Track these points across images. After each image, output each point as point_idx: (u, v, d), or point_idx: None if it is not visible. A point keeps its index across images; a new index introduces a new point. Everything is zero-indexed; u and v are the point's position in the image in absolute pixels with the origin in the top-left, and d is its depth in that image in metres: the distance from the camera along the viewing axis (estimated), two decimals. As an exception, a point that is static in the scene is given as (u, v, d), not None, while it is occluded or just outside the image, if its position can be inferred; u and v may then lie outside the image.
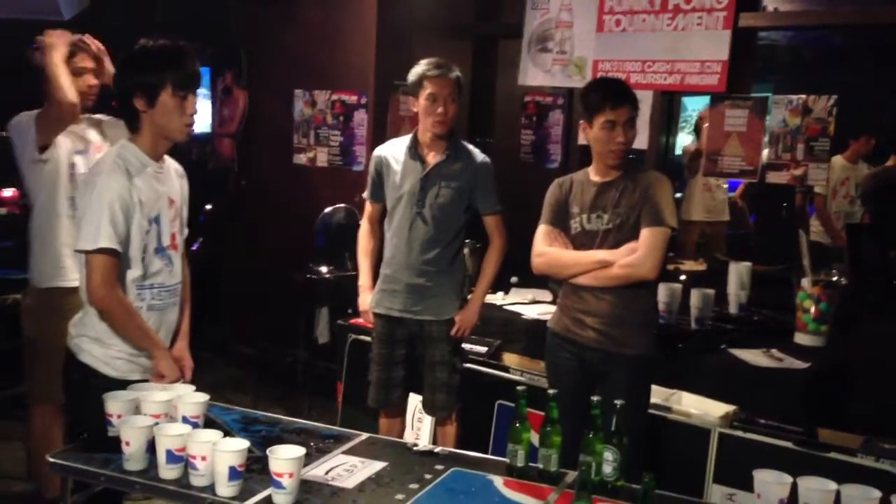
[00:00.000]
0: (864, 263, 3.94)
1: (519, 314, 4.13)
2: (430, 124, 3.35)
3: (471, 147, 3.50)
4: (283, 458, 1.99)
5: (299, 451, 2.03)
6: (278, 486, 1.99)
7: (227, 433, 2.18)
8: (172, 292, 2.49)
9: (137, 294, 2.39)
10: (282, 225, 5.40)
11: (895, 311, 3.41)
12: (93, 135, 3.41)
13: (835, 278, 3.73)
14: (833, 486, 1.98)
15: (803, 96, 4.17)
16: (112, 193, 2.29)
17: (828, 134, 4.10)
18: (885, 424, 2.96)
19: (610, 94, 2.92)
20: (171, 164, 2.53)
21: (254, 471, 2.11)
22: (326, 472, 2.21)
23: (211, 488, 2.04)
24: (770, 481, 2.03)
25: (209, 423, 2.28)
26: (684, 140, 6.51)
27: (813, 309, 3.61)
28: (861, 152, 5.59)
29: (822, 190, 5.44)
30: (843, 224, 5.41)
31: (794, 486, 2.01)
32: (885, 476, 2.73)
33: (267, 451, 2.01)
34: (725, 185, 6.04)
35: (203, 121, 5.69)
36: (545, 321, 3.23)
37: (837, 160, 5.56)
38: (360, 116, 5.18)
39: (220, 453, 2.02)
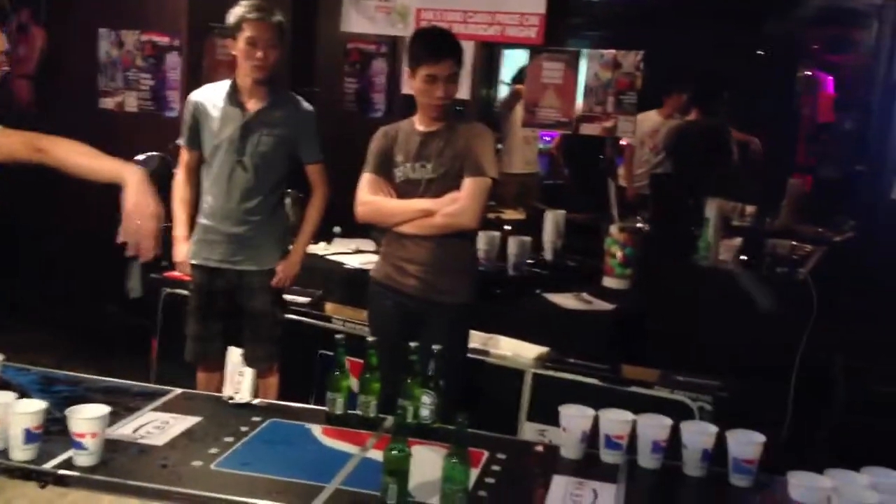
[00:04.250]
0: (666, 211, 4.21)
1: (341, 264, 4.12)
2: (249, 69, 3.24)
3: (293, 95, 3.43)
4: (83, 417, 1.90)
5: (102, 409, 1.95)
6: (79, 446, 1.90)
7: (23, 395, 2.04)
8: None
9: None
10: (88, 174, 5.07)
11: (691, 255, 3.66)
12: None
13: (639, 225, 3.97)
14: (630, 416, 2.12)
15: (613, 51, 4.35)
16: None
17: (636, 88, 4.30)
18: (681, 359, 3.21)
19: (432, 47, 2.92)
20: None
21: (53, 433, 2.00)
22: (135, 431, 2.13)
23: (5, 453, 1.92)
24: (574, 415, 2.14)
25: (3, 386, 2.13)
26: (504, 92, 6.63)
27: (619, 254, 3.83)
28: (676, 107, 5.90)
29: (633, 141, 5.72)
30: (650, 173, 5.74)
31: (598, 419, 2.14)
32: (679, 405, 2.97)
33: (66, 412, 1.92)
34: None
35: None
36: (367, 270, 3.25)
37: (652, 114, 5.85)
38: (173, 59, 4.93)
39: (12, 416, 1.89)
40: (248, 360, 3.45)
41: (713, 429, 2.08)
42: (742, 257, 3.57)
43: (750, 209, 4.20)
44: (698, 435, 2.06)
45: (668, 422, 2.10)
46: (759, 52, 7.26)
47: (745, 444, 2.01)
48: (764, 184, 5.00)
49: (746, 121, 5.78)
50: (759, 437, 2.02)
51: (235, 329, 3.44)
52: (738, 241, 3.69)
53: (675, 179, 5.13)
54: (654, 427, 2.09)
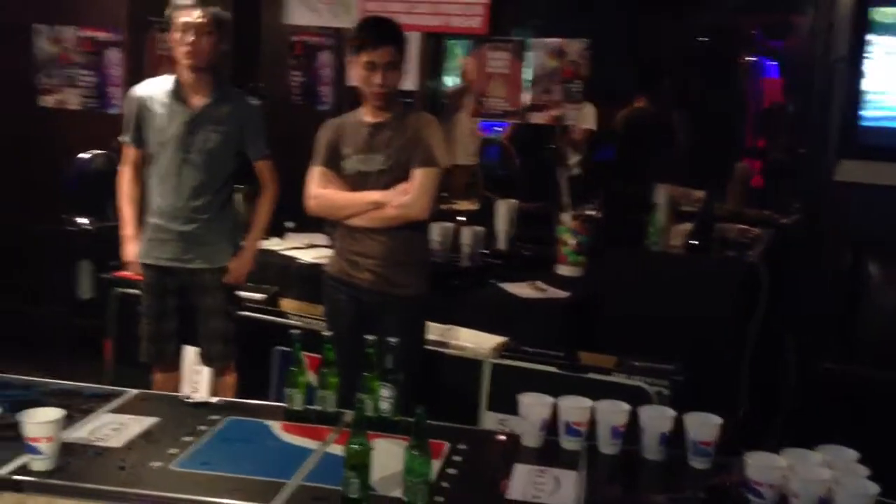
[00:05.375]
0: (615, 198, 4.26)
1: (295, 259, 4.09)
2: (182, 56, 3.19)
3: (238, 90, 3.40)
4: (37, 421, 1.86)
5: (57, 412, 1.91)
6: (34, 451, 1.86)
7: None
8: None
9: None
10: (29, 173, 4.94)
11: (642, 241, 3.71)
12: None
13: (591, 212, 4.00)
14: (588, 402, 2.15)
15: (558, 40, 4.37)
16: None
17: (581, 76, 4.33)
18: (636, 344, 3.25)
19: (371, 34, 2.92)
20: None
21: (8, 438, 1.95)
22: (91, 433, 2.09)
23: (-42, 461, 1.88)
24: (532, 403, 2.16)
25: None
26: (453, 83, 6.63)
27: (572, 242, 3.86)
28: None
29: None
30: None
31: (557, 407, 2.16)
32: (636, 391, 3.01)
33: (20, 416, 1.87)
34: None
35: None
36: (321, 265, 3.23)
37: None
38: (114, 55, 4.83)
39: (-36, 423, 1.85)
40: (204, 360, 3.42)
41: (671, 413, 2.11)
42: (692, 242, 3.62)
43: (698, 194, 4.27)
44: (656, 419, 2.09)
45: (627, 407, 2.13)
46: (701, 39, 7.38)
47: (703, 426, 2.04)
48: (712, 169, 5.08)
49: (692, 107, 5.87)
50: (716, 420, 2.06)
51: (190, 328, 3.40)
52: (687, 225, 3.75)
53: (622, 166, 5.20)
54: (613, 413, 2.11)
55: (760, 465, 1.87)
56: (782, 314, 3.63)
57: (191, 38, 3.15)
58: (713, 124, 5.95)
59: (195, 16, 3.16)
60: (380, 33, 2.92)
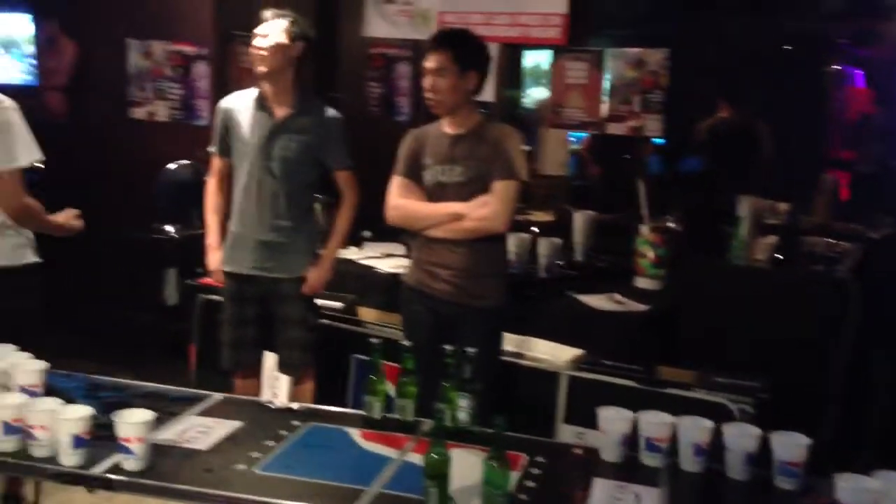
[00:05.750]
0: (696, 209, 4.19)
1: (373, 268, 4.12)
2: (252, 61, 3.27)
3: (321, 102, 3.44)
4: (130, 422, 1.93)
5: (148, 414, 1.97)
6: (127, 451, 1.93)
7: (70, 401, 2.08)
8: None
9: None
10: (120, 182, 5.12)
11: (725, 254, 3.63)
12: None
13: (671, 224, 3.94)
14: (670, 418, 2.11)
15: (638, 49, 4.33)
16: None
17: (661, 86, 4.28)
18: (716, 359, 3.18)
19: (430, 41, 2.96)
20: None
21: (102, 438, 2.02)
22: (179, 435, 2.15)
23: (54, 458, 1.95)
24: (612, 417, 2.13)
25: (50, 392, 2.17)
26: (538, 93, 6.61)
27: (651, 254, 3.81)
28: None
29: None
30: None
31: (637, 422, 2.13)
32: (718, 407, 2.93)
33: (112, 416, 1.94)
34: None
35: (25, 72, 5.33)
36: (399, 274, 3.24)
37: None
38: (201, 69, 4.98)
39: (60, 421, 1.93)
40: (283, 367, 3.50)
41: (756, 431, 2.06)
42: (777, 255, 3.53)
43: (783, 206, 4.16)
44: (741, 438, 2.04)
45: (710, 424, 2.08)
46: (785, 47, 7.19)
47: (791, 446, 1.99)
48: (797, 180, 4.95)
49: (776, 117, 5.72)
50: (804, 440, 2.00)
51: (270, 336, 3.46)
52: (772, 239, 3.65)
53: (704, 177, 5.10)
54: (696, 430, 2.07)
55: (852, 488, 1.81)
56: (872, 330, 3.51)
57: (260, 43, 3.24)
58: (798, 135, 5.78)
59: (265, 24, 3.25)
60: (434, 39, 2.96)
